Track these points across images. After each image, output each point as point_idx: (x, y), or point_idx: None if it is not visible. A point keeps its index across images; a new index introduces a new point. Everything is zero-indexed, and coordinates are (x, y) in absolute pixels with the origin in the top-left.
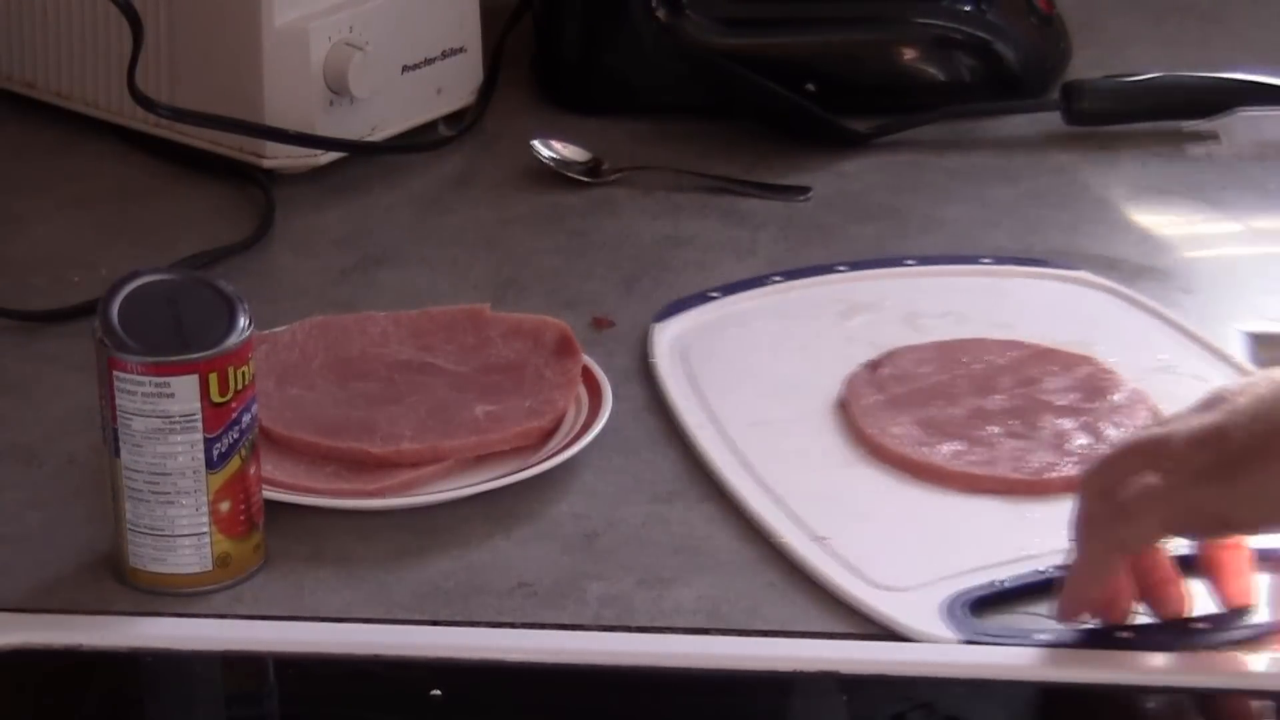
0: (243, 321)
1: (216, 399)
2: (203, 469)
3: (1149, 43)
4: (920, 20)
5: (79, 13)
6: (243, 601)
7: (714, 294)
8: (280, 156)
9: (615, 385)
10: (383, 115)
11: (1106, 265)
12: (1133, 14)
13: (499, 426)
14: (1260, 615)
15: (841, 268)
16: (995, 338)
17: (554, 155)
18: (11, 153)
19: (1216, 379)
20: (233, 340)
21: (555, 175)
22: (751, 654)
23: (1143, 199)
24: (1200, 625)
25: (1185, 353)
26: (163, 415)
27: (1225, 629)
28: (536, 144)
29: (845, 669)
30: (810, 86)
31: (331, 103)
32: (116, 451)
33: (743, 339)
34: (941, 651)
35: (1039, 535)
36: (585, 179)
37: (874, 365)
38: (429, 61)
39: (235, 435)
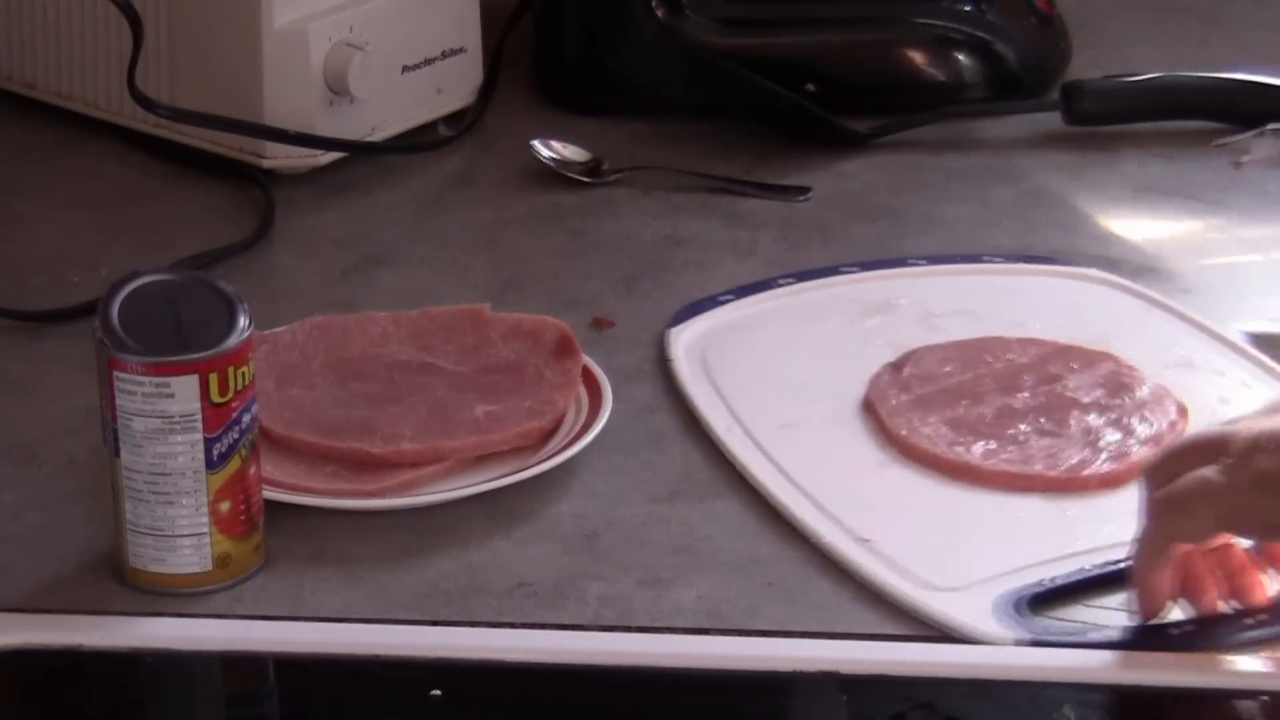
0: (243, 321)
1: (216, 399)
2: (203, 469)
3: (1149, 43)
4: (920, 20)
5: (79, 13)
6: (243, 601)
7: (726, 297)
8: (280, 156)
9: (615, 385)
10: (383, 115)
11: (1107, 265)
12: (1133, 14)
13: (499, 426)
14: None
15: (851, 269)
16: (1013, 336)
17: (554, 155)
18: (11, 153)
19: (1236, 374)
20: (233, 340)
21: (555, 175)
22: (751, 654)
23: (1143, 199)
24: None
25: (1203, 348)
26: (163, 415)
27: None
28: (536, 144)
29: (845, 669)
30: (810, 86)
31: (331, 103)
32: (116, 451)
33: (759, 342)
34: (942, 651)
35: (1081, 532)
36: (585, 179)
37: (897, 366)
38: (429, 61)
39: (235, 435)
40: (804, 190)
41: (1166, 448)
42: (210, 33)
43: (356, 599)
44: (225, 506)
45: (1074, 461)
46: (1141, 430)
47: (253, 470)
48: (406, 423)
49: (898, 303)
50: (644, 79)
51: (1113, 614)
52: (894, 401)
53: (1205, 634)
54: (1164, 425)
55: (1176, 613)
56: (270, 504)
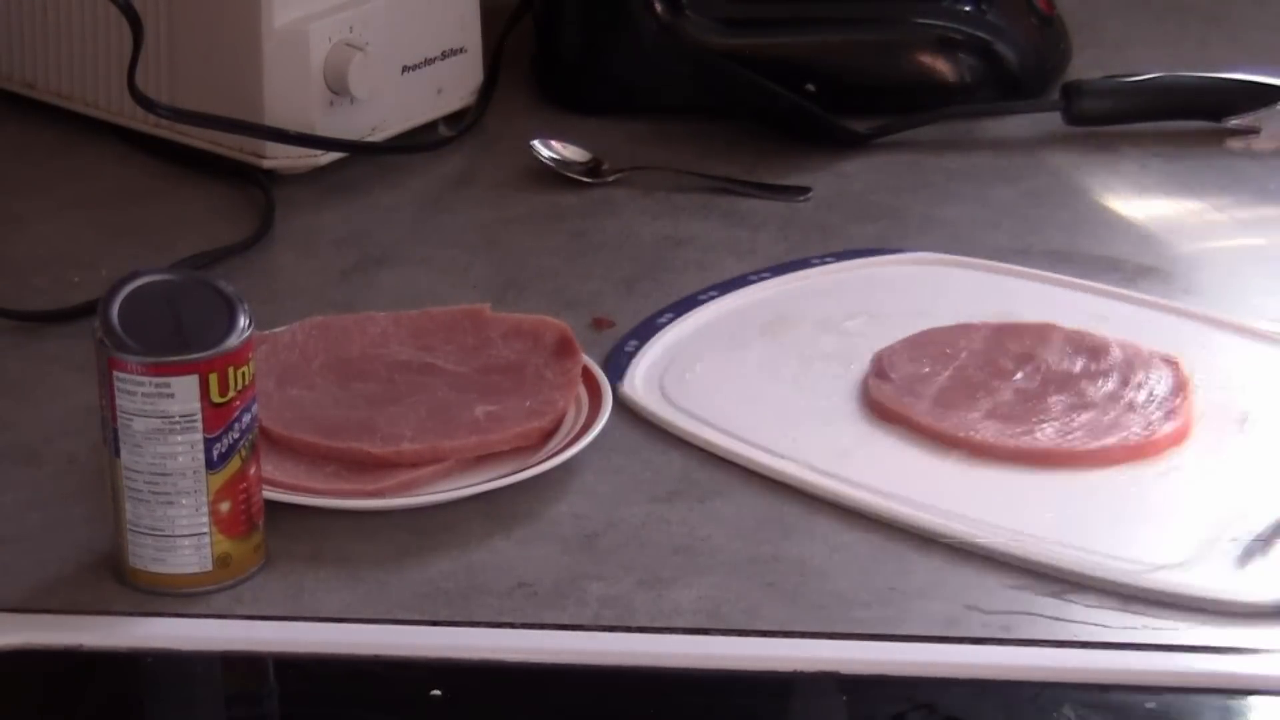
0: (243, 321)
1: (216, 399)
2: (203, 469)
3: (1149, 43)
4: (920, 20)
5: (79, 13)
6: (243, 601)
7: (665, 317)
8: (280, 156)
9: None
10: (383, 115)
11: (1107, 265)
12: (1133, 14)
13: (499, 426)
14: None
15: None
16: (941, 325)
17: (554, 155)
18: (11, 153)
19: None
20: (233, 340)
21: (555, 175)
22: (751, 654)
23: (1143, 199)
24: None
25: (1067, 302)
26: (163, 415)
27: None
28: (536, 144)
29: (845, 669)
30: (810, 86)
31: (331, 103)
32: (116, 451)
33: (708, 376)
34: (942, 651)
35: (1201, 486)
36: (585, 179)
37: (880, 374)
38: (429, 61)
39: (235, 435)
40: (804, 190)
41: None
42: (210, 33)
43: (356, 599)
44: (225, 506)
45: (1141, 426)
46: (1156, 386)
47: (253, 470)
48: (406, 423)
49: (798, 313)
50: (644, 79)
51: None
52: (921, 406)
53: None
54: (1169, 377)
55: None
56: (270, 504)
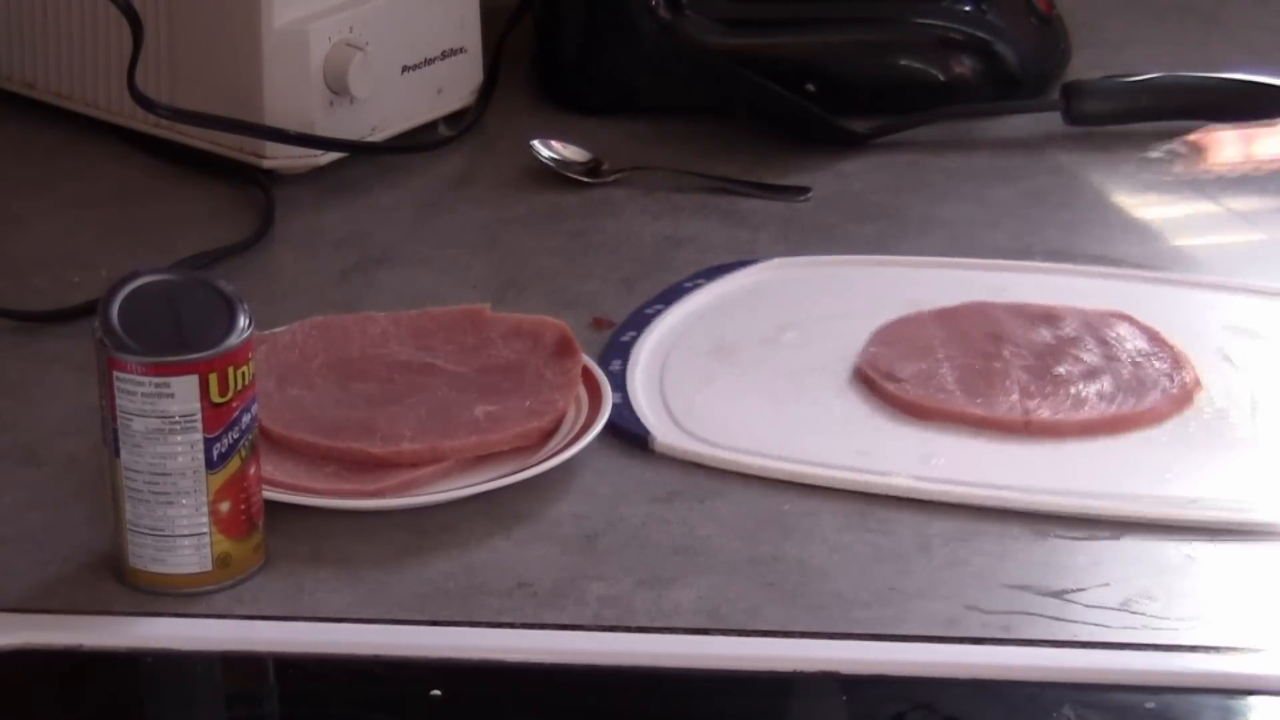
0: (243, 321)
1: (216, 399)
2: (203, 469)
3: (1149, 43)
4: (920, 20)
5: (79, 13)
6: (243, 601)
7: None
8: (280, 156)
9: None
10: (383, 115)
11: (1108, 265)
12: (1133, 14)
13: (499, 426)
14: None
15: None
16: (886, 321)
17: (554, 155)
18: (11, 153)
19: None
20: (233, 340)
21: (555, 175)
22: (751, 654)
23: (1143, 199)
24: None
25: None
26: (163, 415)
27: None
28: (536, 144)
29: (845, 669)
30: (810, 86)
31: (331, 103)
32: (116, 451)
33: (716, 390)
34: (942, 651)
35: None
36: (585, 179)
37: (889, 377)
38: (429, 61)
39: (235, 435)
40: (804, 190)
41: None
42: (210, 33)
43: (356, 599)
44: (225, 506)
45: (1166, 381)
46: (1133, 341)
47: (253, 470)
48: (406, 423)
49: (747, 322)
50: (644, 79)
51: None
52: (949, 394)
53: None
54: (1136, 331)
55: None
56: (270, 504)
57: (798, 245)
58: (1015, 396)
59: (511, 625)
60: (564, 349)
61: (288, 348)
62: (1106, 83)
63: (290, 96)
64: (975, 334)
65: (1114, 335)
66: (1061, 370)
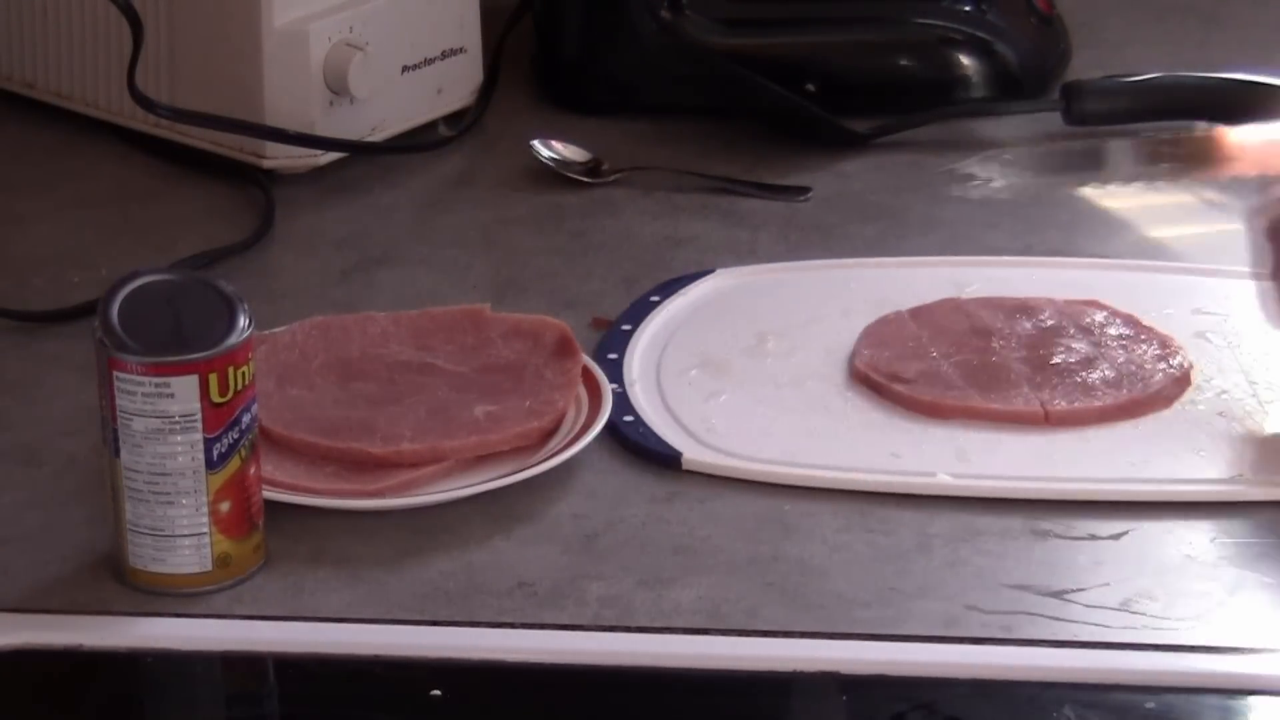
0: (243, 321)
1: (216, 399)
2: (203, 469)
3: (1149, 43)
4: (920, 20)
5: (79, 13)
6: (243, 601)
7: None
8: (280, 156)
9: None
10: (383, 115)
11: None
12: (1133, 14)
13: (499, 426)
14: None
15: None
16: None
17: (554, 155)
18: (11, 153)
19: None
20: (233, 340)
21: (555, 175)
22: (751, 654)
23: (1143, 199)
24: None
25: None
26: (163, 415)
27: None
28: (536, 144)
29: (845, 669)
30: (810, 86)
31: (331, 103)
32: (116, 451)
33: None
34: (942, 651)
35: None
36: (585, 179)
37: (895, 378)
38: (429, 61)
39: (235, 435)
40: (804, 190)
41: None
42: (210, 33)
43: (356, 599)
44: (225, 506)
45: (1164, 364)
46: (1114, 326)
47: (253, 470)
48: (406, 423)
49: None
50: (644, 79)
51: None
52: (959, 391)
53: None
54: (1115, 317)
55: None
56: (270, 504)
57: (798, 245)
58: (1026, 388)
59: (511, 625)
60: (564, 349)
61: (288, 348)
62: (1106, 83)
63: (290, 96)
64: (957, 330)
65: (1092, 322)
66: (1059, 360)
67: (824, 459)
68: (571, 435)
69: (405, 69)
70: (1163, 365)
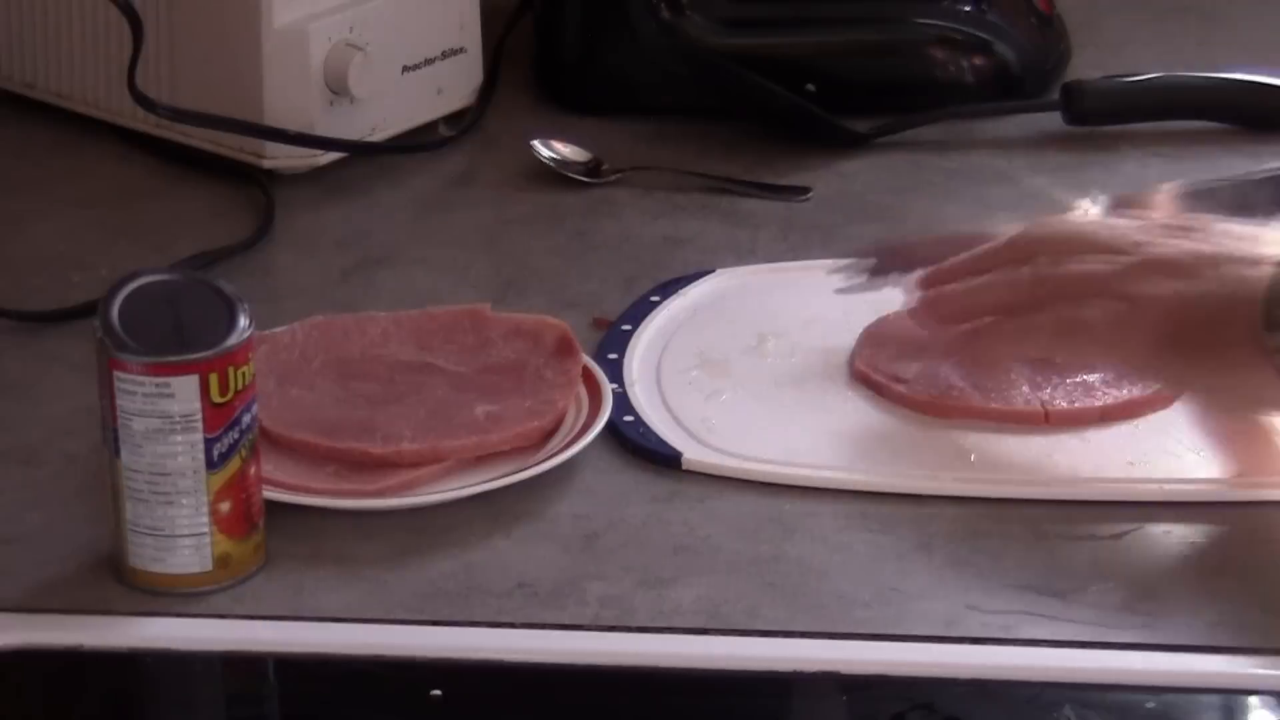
0: (243, 321)
1: (216, 399)
2: (203, 469)
3: (1149, 43)
4: (920, 20)
5: (79, 13)
6: (243, 601)
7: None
8: (280, 156)
9: None
10: (383, 115)
11: None
12: (1133, 14)
13: (499, 426)
14: None
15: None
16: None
17: (554, 155)
18: (11, 153)
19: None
20: (233, 340)
21: (555, 175)
22: (751, 654)
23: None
24: None
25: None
26: (163, 415)
27: None
28: (536, 144)
29: (845, 669)
30: (810, 86)
31: (331, 103)
32: (116, 451)
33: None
34: (941, 652)
35: None
36: (585, 179)
37: (895, 379)
38: (429, 61)
39: (235, 435)
40: (804, 190)
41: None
42: (210, 33)
43: (356, 599)
44: (225, 506)
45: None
46: None
47: (253, 470)
48: (406, 423)
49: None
50: (644, 79)
51: None
52: (978, 397)
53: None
54: None
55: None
56: (270, 504)
57: (798, 245)
58: (1025, 388)
59: (511, 625)
60: (564, 349)
61: (288, 348)
62: (1106, 83)
63: (290, 96)
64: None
65: None
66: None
67: (824, 459)
68: (571, 435)
69: (405, 69)
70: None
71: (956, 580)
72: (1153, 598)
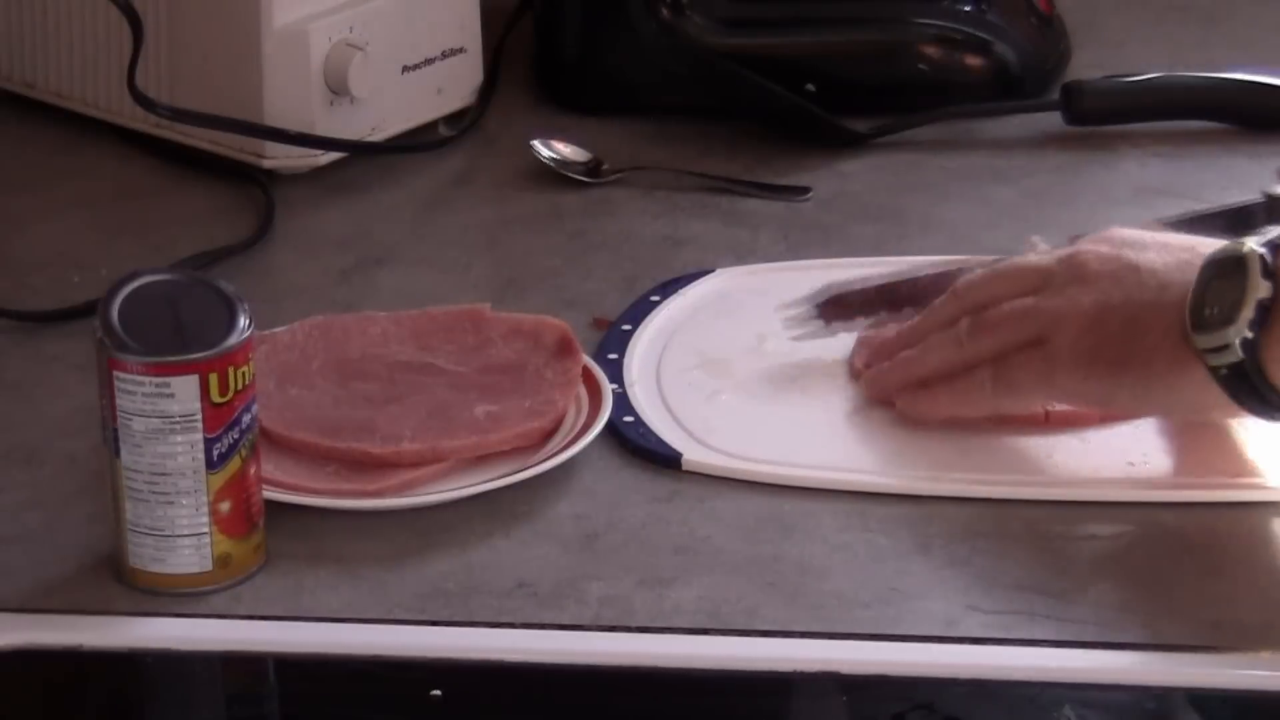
0: (243, 321)
1: (216, 399)
2: (203, 469)
3: (1149, 43)
4: (920, 20)
5: (79, 13)
6: (243, 601)
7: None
8: (280, 156)
9: None
10: (383, 115)
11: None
12: (1133, 14)
13: (499, 426)
14: None
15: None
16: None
17: (554, 155)
18: (11, 153)
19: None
20: (233, 340)
21: (555, 175)
22: (751, 654)
23: (1143, 199)
24: None
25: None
26: (163, 415)
27: None
28: (536, 144)
29: (845, 669)
30: (810, 86)
31: (331, 103)
32: (116, 451)
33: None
34: (941, 652)
35: None
36: (585, 179)
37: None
38: (429, 61)
39: (235, 435)
40: (804, 190)
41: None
42: (210, 33)
43: (356, 599)
44: (225, 506)
45: None
46: None
47: (253, 470)
48: (406, 423)
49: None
50: (644, 79)
51: None
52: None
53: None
54: None
55: None
56: (270, 504)
57: (798, 245)
58: None
59: (511, 625)
60: (564, 349)
61: (288, 348)
62: (1106, 83)
63: (290, 96)
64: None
65: None
66: None
67: (824, 459)
68: (571, 435)
69: (405, 69)
70: None
71: (956, 580)
72: (1153, 598)
